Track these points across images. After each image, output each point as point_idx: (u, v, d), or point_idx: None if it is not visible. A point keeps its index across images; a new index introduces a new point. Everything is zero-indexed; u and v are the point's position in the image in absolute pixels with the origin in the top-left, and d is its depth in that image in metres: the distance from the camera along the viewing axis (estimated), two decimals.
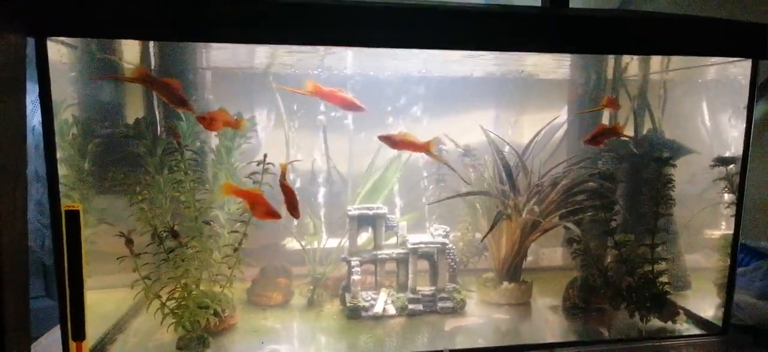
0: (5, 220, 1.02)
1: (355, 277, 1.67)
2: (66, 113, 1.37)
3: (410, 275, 1.71)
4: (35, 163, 1.88)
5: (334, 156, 1.90)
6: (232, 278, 1.49)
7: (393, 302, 1.66)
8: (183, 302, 1.41)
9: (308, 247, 1.80)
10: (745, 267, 1.79)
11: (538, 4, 1.80)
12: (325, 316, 1.66)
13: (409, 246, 1.71)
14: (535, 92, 2.05)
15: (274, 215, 1.38)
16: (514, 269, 1.77)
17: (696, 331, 1.57)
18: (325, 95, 1.53)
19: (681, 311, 1.59)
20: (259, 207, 1.38)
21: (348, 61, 1.63)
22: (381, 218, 1.72)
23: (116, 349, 1.43)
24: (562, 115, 1.97)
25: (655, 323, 1.58)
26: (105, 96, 1.59)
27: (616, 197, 1.68)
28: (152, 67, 1.64)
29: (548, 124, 1.82)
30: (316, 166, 1.89)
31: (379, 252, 1.72)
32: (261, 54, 1.50)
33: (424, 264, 1.75)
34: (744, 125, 1.48)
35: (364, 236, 1.79)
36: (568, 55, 1.55)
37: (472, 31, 1.28)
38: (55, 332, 1.35)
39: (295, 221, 1.71)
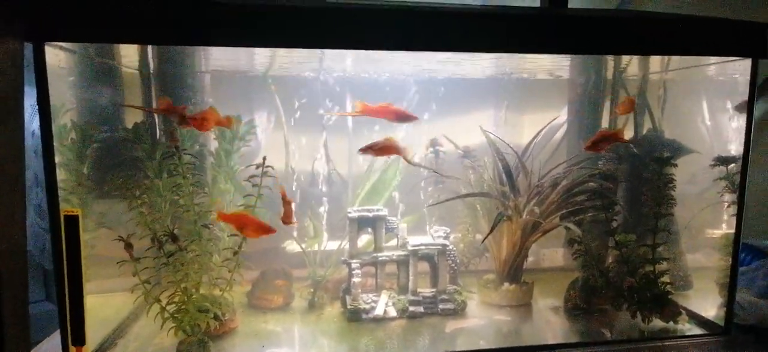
0: (3, 224, 1.02)
1: (356, 279, 1.66)
2: (64, 118, 1.36)
3: (411, 277, 1.70)
4: (35, 167, 1.88)
5: (333, 157, 1.90)
6: (232, 281, 1.48)
7: (394, 304, 1.66)
8: (183, 306, 1.40)
9: (308, 249, 1.79)
10: (747, 266, 1.78)
11: (538, 4, 1.80)
12: (326, 319, 1.65)
13: (410, 248, 1.70)
14: (536, 92, 2.05)
15: (266, 230, 1.37)
16: (515, 271, 1.77)
17: (698, 331, 1.57)
18: (375, 112, 1.51)
19: (683, 311, 1.58)
20: (249, 227, 1.37)
21: (347, 63, 1.63)
22: (381, 219, 1.72)
23: None
24: (562, 116, 1.97)
25: (657, 323, 1.58)
26: (103, 100, 1.59)
27: (617, 197, 1.68)
28: (151, 69, 1.64)
29: (548, 124, 1.82)
30: (315, 168, 1.89)
31: (379, 254, 1.72)
32: (261, 56, 1.50)
33: (424, 266, 1.75)
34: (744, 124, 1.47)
35: (365, 238, 1.79)
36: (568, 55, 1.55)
37: (470, 33, 1.27)
38: (55, 337, 1.35)
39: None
